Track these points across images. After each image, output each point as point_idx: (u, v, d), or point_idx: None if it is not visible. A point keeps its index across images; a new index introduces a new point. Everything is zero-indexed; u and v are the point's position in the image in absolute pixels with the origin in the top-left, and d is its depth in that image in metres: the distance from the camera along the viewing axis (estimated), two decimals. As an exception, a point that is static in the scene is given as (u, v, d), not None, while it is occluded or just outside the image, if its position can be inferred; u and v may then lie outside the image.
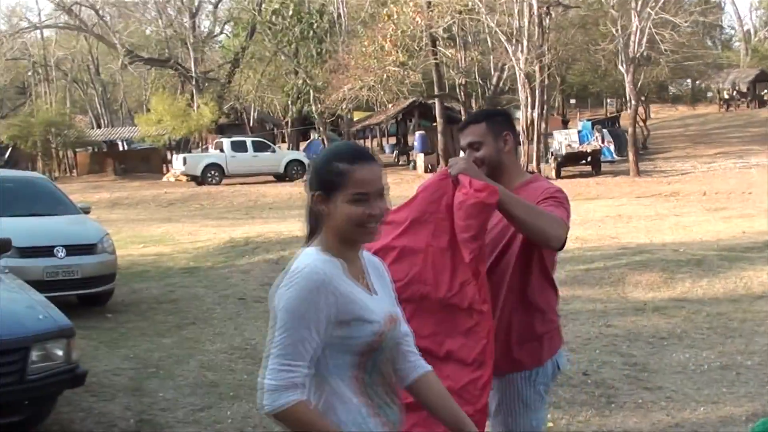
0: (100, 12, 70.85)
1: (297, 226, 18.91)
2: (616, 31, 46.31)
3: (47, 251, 13.32)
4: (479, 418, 4.37)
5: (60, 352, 7.74)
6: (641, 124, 56.06)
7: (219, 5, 76.30)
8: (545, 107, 50.92)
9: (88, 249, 13.77)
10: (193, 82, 65.01)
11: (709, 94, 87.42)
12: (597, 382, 9.37)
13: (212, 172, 49.40)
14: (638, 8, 44.46)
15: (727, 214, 27.06)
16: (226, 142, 51.79)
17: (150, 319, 13.38)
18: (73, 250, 13.54)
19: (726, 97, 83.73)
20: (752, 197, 33.02)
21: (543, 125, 49.38)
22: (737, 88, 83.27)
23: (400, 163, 58.10)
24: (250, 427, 8.16)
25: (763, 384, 9.07)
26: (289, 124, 67.20)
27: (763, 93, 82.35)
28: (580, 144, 48.24)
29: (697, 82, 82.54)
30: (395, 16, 47.55)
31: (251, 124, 72.10)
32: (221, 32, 79.86)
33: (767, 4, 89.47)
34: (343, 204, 3.39)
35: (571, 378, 9.33)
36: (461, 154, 5.00)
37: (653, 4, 44.40)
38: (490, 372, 4.48)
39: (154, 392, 9.30)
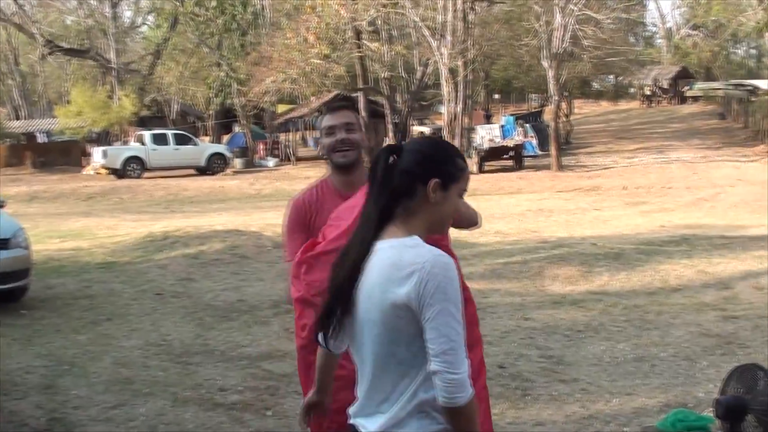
0: (19, 1, 69.74)
1: (217, 220, 18.87)
2: (540, 26, 46.56)
3: (-42, 247, 13.00)
4: (484, 394, 4.81)
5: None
6: (564, 119, 56.46)
7: (141, -5, 75.66)
8: (469, 102, 51.14)
9: (0, 244, 13.44)
10: (114, 74, 64.20)
11: (632, 90, 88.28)
12: (513, 374, 9.33)
13: (133, 165, 48.84)
14: (562, 4, 44.67)
15: (646, 208, 27.40)
16: (148, 134, 51.19)
17: (65, 316, 13.03)
18: (-16, 245, 13.21)
19: (648, 93, 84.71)
20: (671, 192, 33.45)
21: (466, 120, 49.53)
22: (659, 84, 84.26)
23: (323, 156, 57.80)
24: (163, 424, 7.98)
25: (676, 375, 9.12)
26: (212, 116, 66.74)
27: (684, 89, 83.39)
28: (503, 139, 48.41)
29: (620, 78, 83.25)
30: (319, 9, 47.36)
31: (173, 117, 71.45)
32: (143, 23, 79.20)
33: (689, 1, 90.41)
34: (454, 197, 3.51)
35: (487, 371, 9.26)
36: (325, 134, 5.21)
37: (576, 0, 44.64)
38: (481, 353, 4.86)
39: (66, 390, 9.04)
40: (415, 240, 3.39)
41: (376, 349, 3.38)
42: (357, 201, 4.44)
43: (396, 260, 3.32)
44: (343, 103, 5.47)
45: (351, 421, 3.54)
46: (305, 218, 5.14)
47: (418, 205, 3.44)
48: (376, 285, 3.34)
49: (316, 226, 4.96)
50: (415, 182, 3.43)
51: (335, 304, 3.48)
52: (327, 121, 5.21)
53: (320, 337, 3.61)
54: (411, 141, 3.69)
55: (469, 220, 4.91)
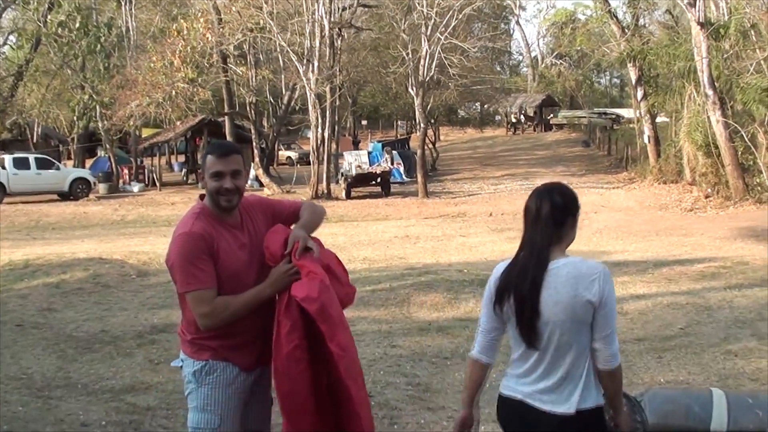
0: None
1: (80, 248, 18.37)
2: (407, 54, 46.87)
3: None
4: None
5: None
6: (430, 146, 56.93)
7: (2, 15, 74.11)
8: (336, 128, 51.18)
9: None
10: (-26, 95, 62.79)
11: (498, 118, 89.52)
12: (380, 403, 9.32)
13: (-7, 191, 47.69)
14: (428, 33, 45.06)
15: (512, 234, 27.53)
16: (8, 158, 49.91)
17: None
18: None
19: (513, 120, 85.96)
20: (536, 219, 33.81)
21: (333, 146, 49.58)
22: (524, 112, 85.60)
23: (189, 182, 57.45)
24: (22, 462, 7.72)
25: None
26: (75, 140, 65.56)
27: (549, 117, 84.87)
28: (370, 165, 48.59)
29: (486, 106, 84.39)
30: (185, 32, 46.98)
31: (35, 140, 70.05)
32: (5, 43, 77.56)
33: (553, 32, 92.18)
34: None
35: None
36: (210, 177, 5.31)
37: (443, 29, 45.07)
38: None
39: None
40: (575, 257, 4.72)
41: (563, 339, 4.60)
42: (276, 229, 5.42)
43: (576, 273, 4.60)
44: (232, 147, 5.53)
45: (520, 398, 4.78)
46: (210, 246, 5.20)
47: (565, 233, 4.76)
48: (564, 292, 4.56)
49: (218, 252, 5.22)
50: (567, 216, 4.76)
51: (526, 311, 4.66)
52: (215, 165, 5.28)
53: (477, 352, 5.02)
54: (556, 186, 4.92)
55: None
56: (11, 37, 74.17)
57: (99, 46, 54.31)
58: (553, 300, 4.58)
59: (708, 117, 36.60)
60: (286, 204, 5.74)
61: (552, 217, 4.71)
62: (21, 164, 49.09)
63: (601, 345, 4.59)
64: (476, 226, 31.67)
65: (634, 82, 51.99)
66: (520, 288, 4.69)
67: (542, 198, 4.78)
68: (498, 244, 24.81)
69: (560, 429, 4.66)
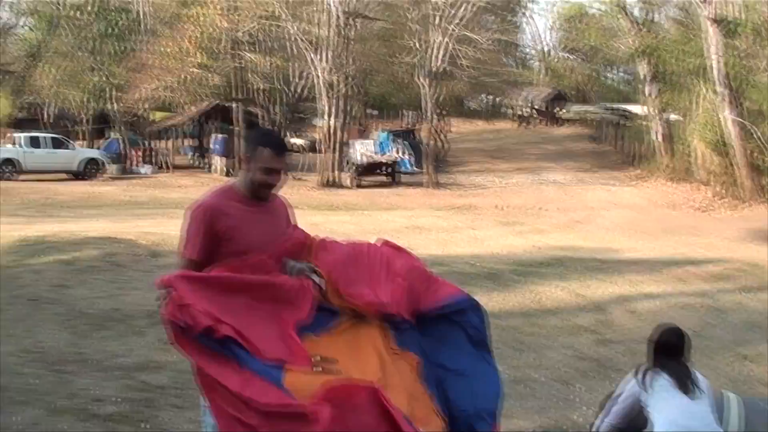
0: None
1: (92, 226, 18.43)
2: (417, 45, 46.83)
3: None
4: None
5: None
6: (440, 137, 56.85)
7: (19, -4, 74.28)
8: (346, 117, 51.15)
9: None
10: (-12, 74, 62.99)
11: (507, 111, 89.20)
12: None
13: (7, 168, 47.94)
14: (440, 24, 45.02)
15: (520, 228, 27.64)
16: (22, 137, 50.24)
17: (-66, 321, 12.70)
18: None
19: (523, 114, 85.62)
20: (545, 213, 33.87)
21: (343, 134, 49.59)
22: (534, 105, 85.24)
23: (198, 165, 57.51)
24: (38, 432, 7.81)
25: (553, 398, 9.20)
26: (87, 121, 65.65)
27: (558, 112, 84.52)
28: (379, 154, 48.58)
29: (495, 98, 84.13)
30: (198, 18, 47.07)
31: (49, 120, 70.20)
32: (21, 25, 77.66)
33: (563, 25, 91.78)
34: None
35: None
36: (260, 170, 5.30)
37: (455, 20, 45.02)
38: None
39: (-66, 397, 8.77)
40: None
41: None
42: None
43: None
44: (286, 145, 5.66)
45: None
46: (214, 220, 5.26)
47: None
48: None
49: (221, 229, 5.23)
50: None
51: None
52: (271, 161, 5.31)
53: None
54: None
55: None
56: (28, 19, 74.39)
57: (113, 29, 54.49)
58: None
59: (720, 115, 36.48)
60: (298, 231, 5.68)
61: None
62: (35, 143, 49.47)
63: None
64: (485, 219, 31.62)
65: (644, 78, 51.87)
66: None
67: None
68: (507, 238, 24.78)
69: None
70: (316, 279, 5.20)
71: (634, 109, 70.68)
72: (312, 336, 5.06)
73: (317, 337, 5.10)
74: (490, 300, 14.67)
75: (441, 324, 5.51)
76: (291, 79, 54.96)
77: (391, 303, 5.28)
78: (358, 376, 4.89)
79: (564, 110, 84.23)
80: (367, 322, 5.27)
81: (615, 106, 79.86)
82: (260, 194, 5.34)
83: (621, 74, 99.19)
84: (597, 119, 74.82)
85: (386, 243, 5.81)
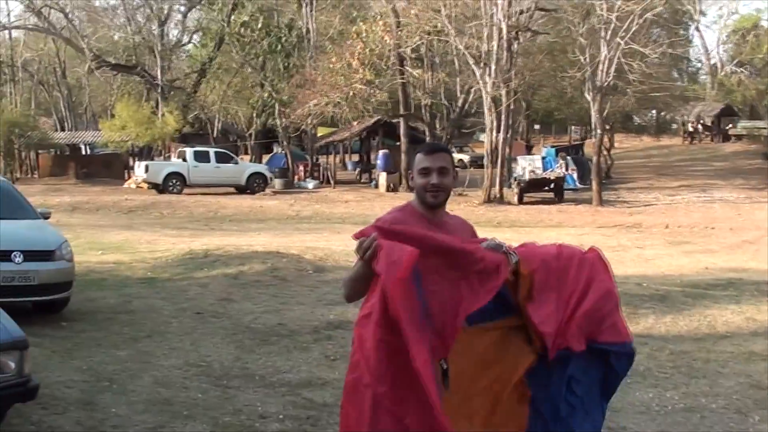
0: (70, 16, 70.40)
1: (257, 240, 18.65)
2: (585, 59, 46.34)
3: (4, 256, 12.85)
4: None
5: (12, 365, 7.41)
6: (605, 153, 56.21)
7: (188, 14, 76.14)
8: (510, 132, 50.92)
9: (45, 255, 13.36)
10: (159, 90, 64.62)
11: (674, 126, 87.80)
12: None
13: (174, 181, 49.00)
14: (608, 37, 44.51)
15: (689, 248, 26.97)
16: (189, 151, 51.40)
17: (105, 330, 12.88)
18: (30, 256, 13.11)
19: (690, 129, 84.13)
20: (714, 232, 33.04)
21: (507, 150, 49.36)
22: (702, 121, 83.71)
23: (362, 180, 58.03)
24: (203, 449, 7.83)
25: (727, 429, 8.81)
26: (253, 136, 66.86)
27: (727, 127, 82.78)
28: (544, 170, 48.23)
29: (663, 114, 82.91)
30: (364, 35, 47.52)
31: (215, 135, 71.73)
32: (189, 41, 79.59)
33: (734, 38, 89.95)
34: None
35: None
36: (418, 173, 5.35)
37: (623, 34, 44.42)
38: None
39: (106, 407, 8.90)
40: None
41: None
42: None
43: None
44: (440, 146, 5.74)
45: None
46: None
47: None
48: None
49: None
50: None
51: None
52: (422, 161, 5.36)
53: None
54: None
55: None
56: (195, 36, 76.30)
57: (279, 46, 55.57)
58: None
59: None
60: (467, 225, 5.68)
61: None
62: (201, 157, 50.65)
63: None
64: (652, 238, 30.95)
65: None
66: None
67: None
68: (676, 258, 24.18)
69: None
70: (514, 258, 5.10)
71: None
72: (464, 325, 4.92)
73: (469, 327, 4.96)
74: (659, 322, 14.27)
75: (592, 359, 5.23)
76: (455, 93, 55.03)
77: (553, 334, 5.09)
78: (454, 412, 4.78)
79: (733, 126, 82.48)
80: (522, 337, 5.16)
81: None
82: (427, 200, 5.32)
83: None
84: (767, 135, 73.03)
85: (598, 255, 5.61)
